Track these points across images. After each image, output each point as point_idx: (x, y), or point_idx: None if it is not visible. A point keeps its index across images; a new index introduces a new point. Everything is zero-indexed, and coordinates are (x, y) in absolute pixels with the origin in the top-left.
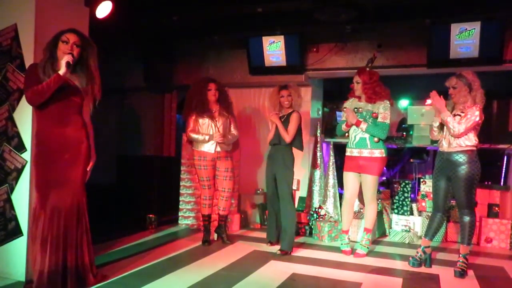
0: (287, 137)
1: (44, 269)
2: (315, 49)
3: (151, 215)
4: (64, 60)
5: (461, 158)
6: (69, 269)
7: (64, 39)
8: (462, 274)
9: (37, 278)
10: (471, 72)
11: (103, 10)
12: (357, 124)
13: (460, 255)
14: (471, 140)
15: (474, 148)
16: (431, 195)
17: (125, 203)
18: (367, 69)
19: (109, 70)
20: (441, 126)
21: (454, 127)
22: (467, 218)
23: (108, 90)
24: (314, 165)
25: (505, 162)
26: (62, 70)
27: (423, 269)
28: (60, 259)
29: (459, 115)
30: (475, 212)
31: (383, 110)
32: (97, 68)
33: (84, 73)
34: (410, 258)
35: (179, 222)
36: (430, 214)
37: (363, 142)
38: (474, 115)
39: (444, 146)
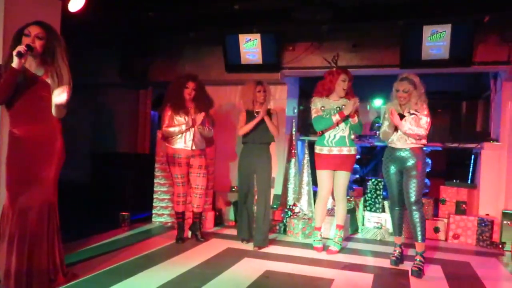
0: (277, 133)
1: (11, 268)
2: (291, 48)
3: (124, 213)
4: (14, 51)
5: (413, 155)
6: (36, 268)
7: (26, 32)
8: (419, 273)
9: (4, 277)
10: (413, 74)
11: (76, 4)
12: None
13: (417, 254)
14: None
15: (423, 146)
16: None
17: (98, 200)
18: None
19: (82, 65)
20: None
21: (420, 133)
22: (417, 214)
23: (81, 86)
24: (289, 163)
25: (472, 161)
26: (14, 62)
27: (393, 265)
28: (27, 258)
29: (415, 114)
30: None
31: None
32: (66, 61)
33: (52, 66)
34: (391, 258)
35: (153, 219)
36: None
37: (343, 141)
38: (428, 114)
39: (398, 144)
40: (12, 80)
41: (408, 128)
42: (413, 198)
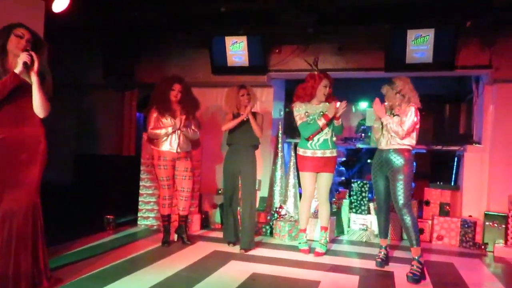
0: (260, 133)
1: None
2: (277, 50)
3: (109, 216)
4: (21, 60)
5: (399, 156)
6: (22, 272)
7: (18, 33)
8: (415, 279)
9: None
10: (402, 77)
11: (60, 4)
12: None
13: (414, 259)
14: (410, 140)
15: (411, 148)
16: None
17: (82, 203)
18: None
19: (67, 66)
20: (382, 125)
21: (398, 131)
22: (408, 218)
23: (65, 87)
24: (275, 165)
25: (455, 163)
26: (18, 69)
27: (379, 267)
28: (11, 263)
29: (398, 115)
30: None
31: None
32: (48, 65)
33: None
34: (377, 259)
35: (138, 222)
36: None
37: (326, 143)
38: (412, 115)
39: (383, 145)
40: (12, 85)
41: (389, 122)
42: (401, 201)
